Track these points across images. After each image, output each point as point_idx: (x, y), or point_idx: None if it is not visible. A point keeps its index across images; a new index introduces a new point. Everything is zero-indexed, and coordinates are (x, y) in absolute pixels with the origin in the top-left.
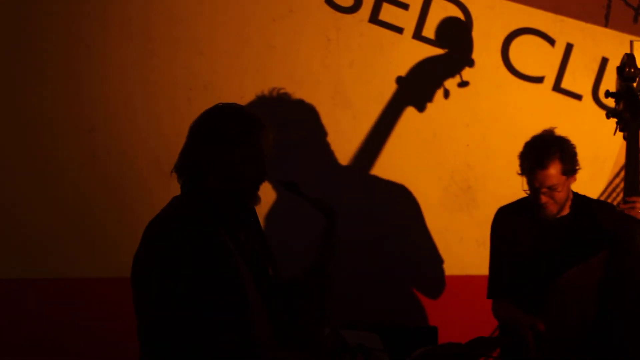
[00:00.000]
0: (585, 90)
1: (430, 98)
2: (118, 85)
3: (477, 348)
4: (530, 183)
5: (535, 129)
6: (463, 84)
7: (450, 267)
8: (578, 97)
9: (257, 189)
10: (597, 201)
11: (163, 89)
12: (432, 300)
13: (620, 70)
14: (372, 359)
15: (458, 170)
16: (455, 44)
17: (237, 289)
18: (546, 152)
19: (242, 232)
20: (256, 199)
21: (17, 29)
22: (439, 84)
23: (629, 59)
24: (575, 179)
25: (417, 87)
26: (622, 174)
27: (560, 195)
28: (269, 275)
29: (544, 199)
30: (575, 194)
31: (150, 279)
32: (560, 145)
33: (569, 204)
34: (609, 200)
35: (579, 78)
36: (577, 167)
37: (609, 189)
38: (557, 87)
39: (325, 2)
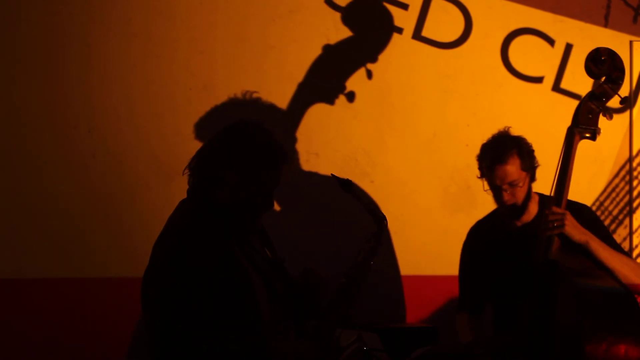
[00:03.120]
0: (585, 90)
1: (430, 97)
2: (118, 85)
3: (476, 348)
4: (491, 182)
5: (535, 129)
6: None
7: (450, 268)
8: (578, 97)
9: (259, 218)
10: (570, 202)
11: (163, 89)
12: (432, 301)
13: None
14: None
15: (458, 171)
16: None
17: (251, 310)
18: (503, 148)
19: (253, 243)
20: (256, 226)
21: (17, 29)
22: (436, 83)
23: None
24: (535, 179)
25: (415, 88)
26: (622, 173)
27: (521, 191)
28: (276, 288)
29: (506, 196)
30: (541, 196)
31: (163, 296)
32: (517, 142)
33: (535, 207)
34: (608, 202)
35: (578, 78)
36: (536, 165)
37: (609, 189)
38: (556, 87)
39: (325, 2)
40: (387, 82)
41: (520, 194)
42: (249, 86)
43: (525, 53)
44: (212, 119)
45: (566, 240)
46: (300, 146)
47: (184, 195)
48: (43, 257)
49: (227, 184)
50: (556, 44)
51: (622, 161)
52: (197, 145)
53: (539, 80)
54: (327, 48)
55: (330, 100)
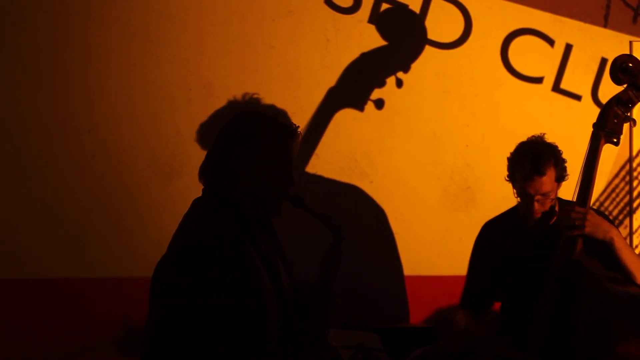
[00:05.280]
0: (585, 90)
1: (430, 98)
2: (117, 85)
3: (476, 348)
4: (523, 190)
5: (535, 130)
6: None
7: (450, 268)
8: (577, 97)
9: (286, 196)
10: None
11: (162, 89)
12: (432, 301)
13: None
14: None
15: (457, 171)
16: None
17: (260, 313)
18: (542, 158)
19: (264, 243)
20: (281, 208)
21: (18, 30)
22: (435, 84)
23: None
24: (560, 186)
25: (415, 88)
26: (622, 174)
27: (551, 202)
28: (284, 288)
29: (537, 206)
30: (560, 200)
31: (173, 293)
32: (553, 152)
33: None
34: (608, 202)
35: (578, 78)
36: (566, 174)
37: (609, 189)
38: (556, 88)
39: (324, 2)
40: (389, 84)
41: (549, 204)
42: (248, 86)
43: (524, 53)
44: (211, 119)
45: (587, 242)
46: (300, 147)
47: (184, 196)
48: (43, 257)
49: (246, 173)
50: (556, 44)
51: (622, 161)
52: (196, 145)
53: (538, 80)
54: (326, 48)
55: (335, 103)
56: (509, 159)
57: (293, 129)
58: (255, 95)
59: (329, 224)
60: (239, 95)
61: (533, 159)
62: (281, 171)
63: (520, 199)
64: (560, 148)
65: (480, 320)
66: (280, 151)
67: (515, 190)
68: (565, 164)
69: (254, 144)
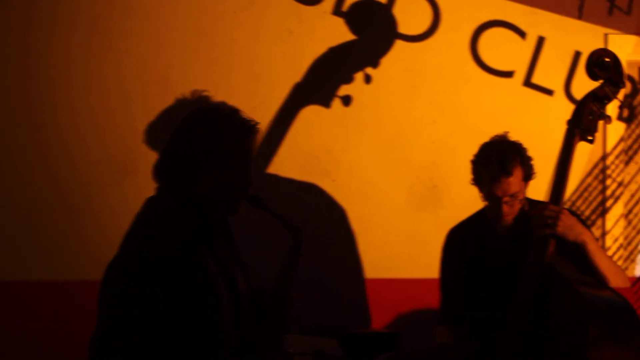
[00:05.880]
0: (557, 85)
1: (396, 92)
2: (70, 80)
3: (442, 355)
4: (490, 192)
5: (505, 126)
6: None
7: (415, 270)
8: (549, 92)
9: (245, 196)
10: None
11: (118, 84)
12: (396, 305)
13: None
14: None
15: (424, 169)
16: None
17: (215, 318)
18: (508, 157)
19: (220, 245)
20: (238, 208)
21: None
22: (401, 78)
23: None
24: (528, 185)
25: (380, 82)
26: (595, 172)
27: (519, 203)
28: (241, 292)
29: (506, 208)
30: (530, 201)
31: (123, 297)
32: (518, 150)
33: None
34: (580, 201)
35: (550, 72)
36: (533, 172)
37: (581, 189)
38: (527, 82)
39: None
40: (357, 80)
41: (518, 205)
42: (207, 81)
43: (495, 46)
44: (169, 115)
45: (559, 244)
46: (260, 143)
47: (139, 194)
48: None
49: (202, 172)
50: (527, 37)
51: (595, 159)
52: (153, 142)
53: (509, 74)
54: (289, 40)
55: (296, 97)
56: (473, 162)
57: (252, 125)
58: (205, 93)
59: (289, 225)
60: (197, 90)
61: (498, 159)
62: (240, 170)
63: (488, 202)
64: (529, 145)
65: (462, 335)
66: (240, 149)
67: (482, 194)
68: (532, 162)
69: (212, 142)
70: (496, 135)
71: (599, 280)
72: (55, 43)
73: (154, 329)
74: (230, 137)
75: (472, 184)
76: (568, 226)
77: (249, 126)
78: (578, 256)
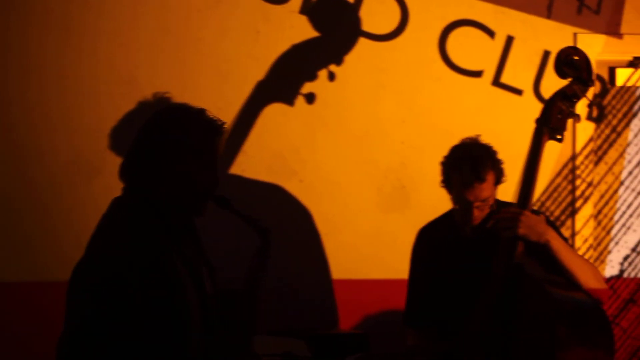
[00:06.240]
0: (526, 84)
1: (363, 92)
2: (37, 80)
3: (411, 356)
4: (461, 197)
5: (474, 126)
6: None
7: (383, 271)
8: (518, 92)
9: (211, 197)
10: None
11: (84, 84)
12: (364, 306)
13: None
14: None
15: (392, 169)
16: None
17: (182, 319)
18: (481, 163)
19: (186, 246)
20: (205, 209)
21: None
22: (369, 78)
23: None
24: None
25: (348, 82)
26: (564, 172)
27: (489, 207)
28: (208, 294)
29: (477, 212)
30: (499, 202)
31: (90, 299)
32: (490, 154)
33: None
34: (550, 202)
35: (519, 72)
36: (504, 176)
37: (550, 189)
38: (496, 82)
39: None
40: (321, 78)
41: (487, 209)
42: (174, 81)
43: (464, 46)
44: (135, 114)
45: (527, 245)
46: (226, 143)
47: (107, 194)
48: None
49: (169, 173)
50: (496, 36)
51: (564, 160)
52: (120, 142)
53: (478, 74)
54: (256, 40)
55: (263, 97)
56: (443, 164)
57: (219, 125)
58: (167, 94)
59: (257, 227)
60: (164, 90)
61: (472, 165)
62: (207, 170)
63: (459, 205)
64: (499, 145)
65: (431, 337)
66: (206, 149)
67: (451, 196)
68: (502, 165)
69: (178, 141)
70: (467, 138)
71: (569, 280)
72: (26, 43)
73: (121, 330)
74: (196, 137)
75: (442, 186)
76: (529, 227)
77: (215, 126)
78: (545, 256)
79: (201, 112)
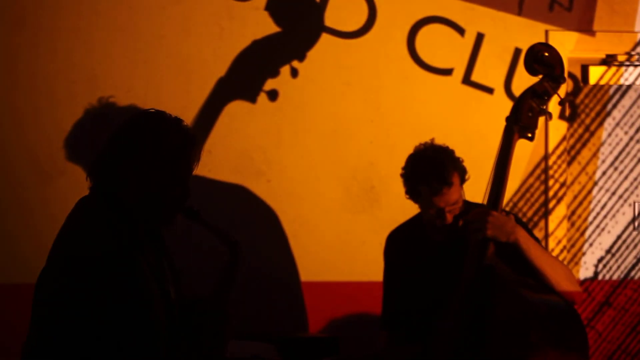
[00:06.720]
0: (497, 83)
1: (330, 90)
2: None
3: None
4: (431, 205)
5: (444, 124)
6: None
7: (352, 273)
8: (489, 90)
9: (181, 209)
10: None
11: (43, 82)
12: (333, 309)
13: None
14: None
15: (360, 169)
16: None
17: (148, 322)
18: (445, 168)
19: (152, 251)
20: (174, 220)
21: None
22: (336, 76)
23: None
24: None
25: (314, 80)
26: (537, 172)
27: (458, 207)
28: (172, 299)
29: (449, 217)
30: (468, 203)
31: (54, 298)
32: (450, 156)
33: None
34: (522, 202)
35: (490, 70)
36: (467, 173)
37: (523, 189)
38: (467, 80)
39: None
40: (284, 75)
41: (457, 211)
42: (135, 79)
43: (433, 43)
44: (96, 114)
45: (498, 246)
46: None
47: (65, 195)
48: None
49: (139, 179)
50: (466, 34)
51: (537, 159)
52: (79, 142)
53: (448, 72)
54: (220, 37)
55: (225, 95)
56: (404, 175)
57: (194, 137)
58: (112, 99)
59: (226, 239)
60: (126, 89)
61: (437, 173)
62: (178, 180)
63: (430, 212)
64: (469, 144)
65: (401, 340)
66: (181, 159)
67: (419, 205)
68: (463, 162)
69: (155, 147)
70: (422, 144)
71: (541, 281)
72: None
73: (87, 334)
74: (173, 145)
75: (407, 197)
76: (497, 227)
77: (191, 137)
78: (518, 258)
79: (179, 121)
